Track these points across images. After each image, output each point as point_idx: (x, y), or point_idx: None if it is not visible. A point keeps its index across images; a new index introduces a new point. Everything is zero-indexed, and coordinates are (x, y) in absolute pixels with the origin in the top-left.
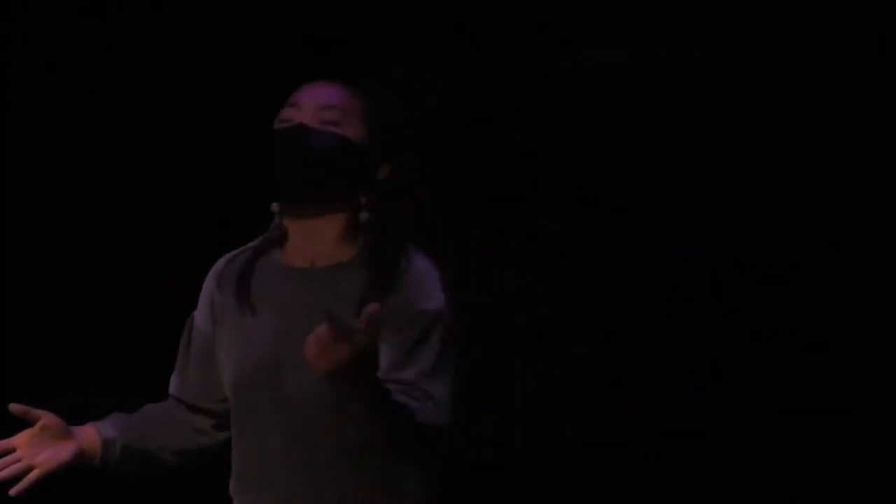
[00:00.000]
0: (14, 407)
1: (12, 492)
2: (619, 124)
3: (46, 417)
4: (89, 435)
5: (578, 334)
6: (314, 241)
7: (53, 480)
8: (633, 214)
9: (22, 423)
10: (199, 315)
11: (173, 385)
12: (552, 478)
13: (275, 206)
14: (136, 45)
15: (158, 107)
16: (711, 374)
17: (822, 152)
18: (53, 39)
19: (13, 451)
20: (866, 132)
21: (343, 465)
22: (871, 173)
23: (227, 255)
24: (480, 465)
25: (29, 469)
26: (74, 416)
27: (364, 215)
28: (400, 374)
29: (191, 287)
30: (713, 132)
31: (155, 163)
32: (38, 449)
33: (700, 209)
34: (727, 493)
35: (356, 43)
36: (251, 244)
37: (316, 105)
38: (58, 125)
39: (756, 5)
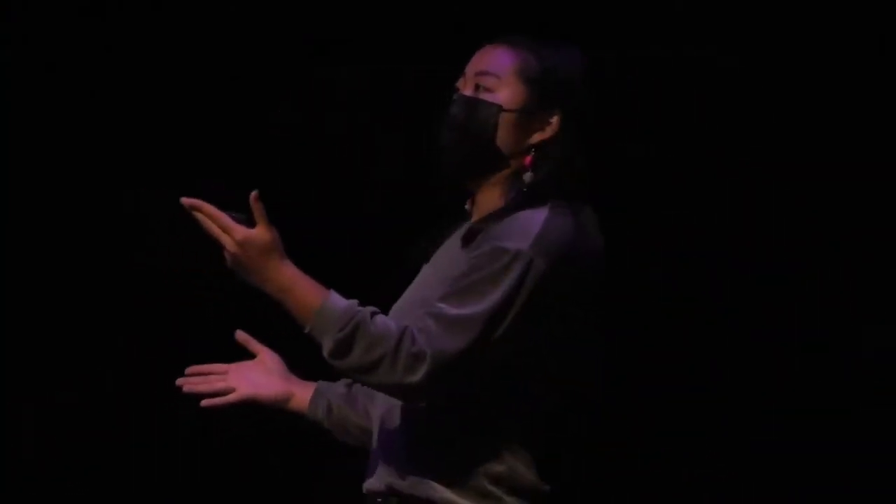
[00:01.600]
0: (239, 334)
1: (203, 403)
2: (620, 124)
3: (265, 353)
4: (308, 386)
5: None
6: (482, 201)
7: (250, 411)
8: (633, 214)
9: None
10: None
11: None
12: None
13: None
14: (137, 45)
15: (158, 107)
16: (711, 374)
17: (822, 152)
18: (53, 39)
19: (225, 373)
20: (866, 132)
21: (407, 420)
22: (871, 173)
23: None
24: None
25: (229, 390)
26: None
27: (528, 175)
28: (435, 299)
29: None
30: (713, 132)
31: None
32: (248, 379)
33: (700, 209)
34: (727, 494)
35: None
36: None
37: (473, 72)
38: (58, 125)
39: (756, 5)
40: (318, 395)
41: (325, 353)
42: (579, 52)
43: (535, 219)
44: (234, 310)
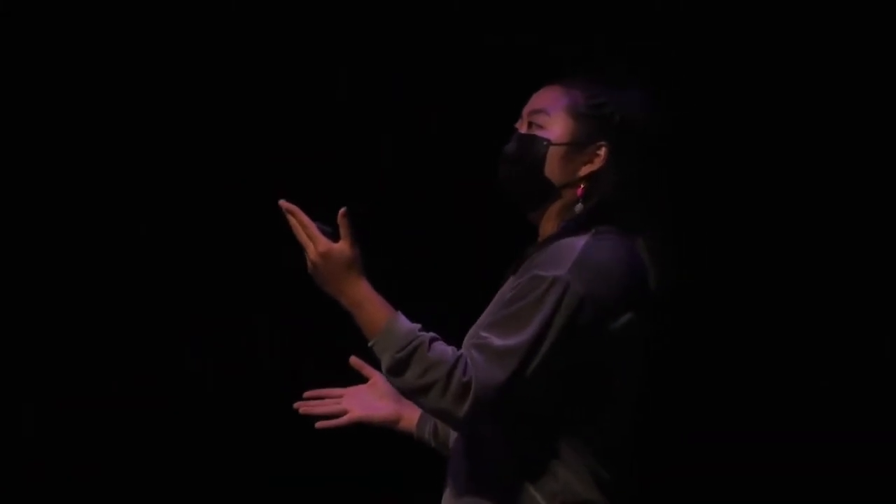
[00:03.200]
0: (353, 360)
1: (318, 424)
2: None
3: (377, 376)
4: (415, 408)
5: None
6: (542, 232)
7: (367, 432)
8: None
9: None
10: None
11: None
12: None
13: None
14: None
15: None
16: (711, 375)
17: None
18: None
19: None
20: (866, 132)
21: (468, 441)
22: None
23: None
24: None
25: (343, 412)
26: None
27: (578, 206)
28: (479, 327)
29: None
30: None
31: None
32: (360, 401)
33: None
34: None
35: None
36: None
37: (528, 111)
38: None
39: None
40: (424, 417)
41: (384, 369)
42: (638, 86)
43: (574, 245)
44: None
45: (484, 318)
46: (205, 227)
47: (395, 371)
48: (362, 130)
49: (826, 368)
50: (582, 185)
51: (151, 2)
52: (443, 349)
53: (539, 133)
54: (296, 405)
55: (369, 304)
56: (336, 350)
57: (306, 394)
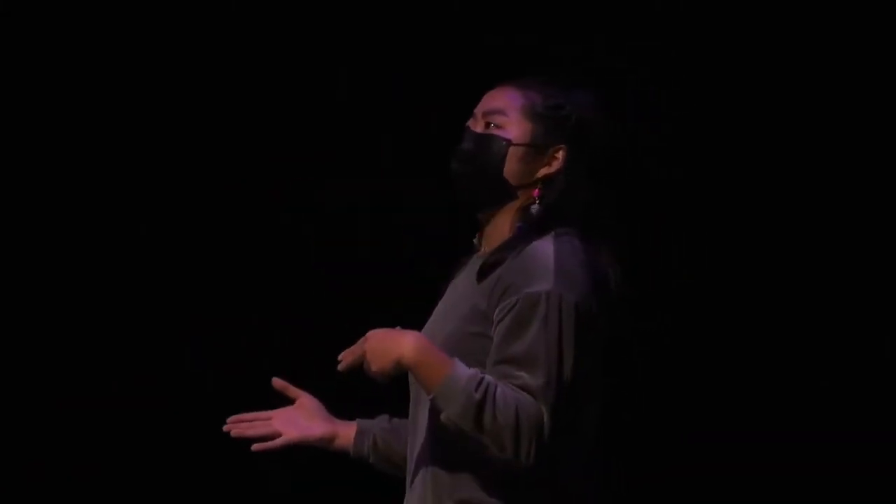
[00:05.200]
0: (276, 382)
1: (254, 447)
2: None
3: (304, 398)
4: (350, 425)
5: None
6: (491, 232)
7: (298, 453)
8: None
9: None
10: None
11: None
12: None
13: None
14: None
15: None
16: (710, 375)
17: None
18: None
19: (269, 419)
20: (866, 132)
21: (438, 449)
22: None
23: None
24: None
25: (276, 434)
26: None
27: (535, 208)
28: (496, 360)
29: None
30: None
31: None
32: (293, 423)
33: (700, 209)
34: (728, 493)
35: None
36: None
37: (482, 111)
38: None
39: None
40: (361, 434)
41: (453, 415)
42: (591, 91)
43: (547, 253)
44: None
45: (435, 327)
46: (205, 227)
47: (468, 415)
48: (362, 130)
49: (826, 368)
50: (539, 188)
51: (151, 2)
52: (504, 391)
53: (498, 133)
54: (225, 427)
55: (431, 352)
56: (336, 351)
57: (232, 418)
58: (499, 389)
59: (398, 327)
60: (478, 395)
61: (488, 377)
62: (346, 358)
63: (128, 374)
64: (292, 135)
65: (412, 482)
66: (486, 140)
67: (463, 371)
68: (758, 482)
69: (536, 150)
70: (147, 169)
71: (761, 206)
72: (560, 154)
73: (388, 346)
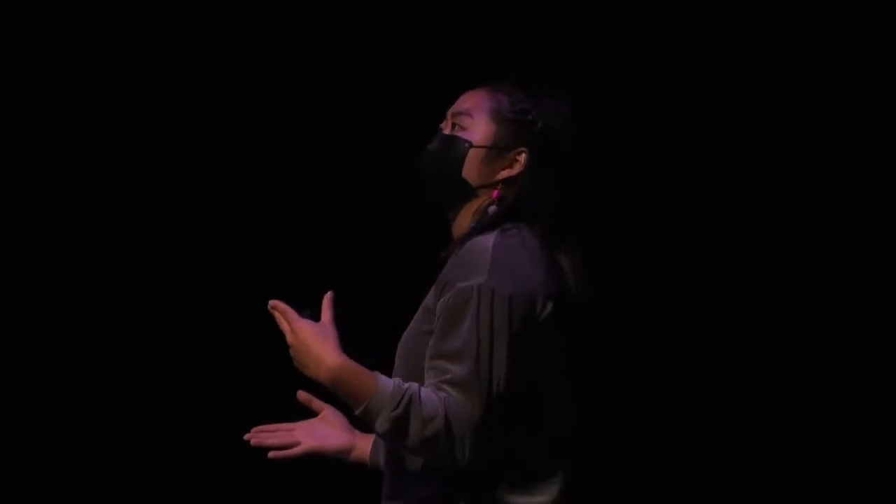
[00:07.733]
0: (301, 394)
1: (270, 455)
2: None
3: (327, 410)
4: (368, 437)
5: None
6: (456, 231)
7: (320, 463)
8: (633, 214)
9: None
10: None
11: None
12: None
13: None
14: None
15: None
16: (711, 375)
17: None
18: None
19: (291, 430)
20: (868, 132)
21: (395, 452)
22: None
23: None
24: None
25: (295, 444)
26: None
27: (492, 207)
28: (432, 354)
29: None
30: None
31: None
32: (313, 433)
33: (700, 208)
34: (728, 493)
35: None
36: None
37: (452, 112)
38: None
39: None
40: (377, 446)
41: (381, 431)
42: (565, 97)
43: (485, 247)
44: None
45: (413, 325)
46: (205, 227)
47: (396, 430)
48: (363, 132)
49: (826, 368)
50: (499, 188)
51: (151, 2)
52: (429, 397)
53: (461, 134)
54: (246, 436)
55: (349, 374)
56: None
57: (256, 428)
58: (423, 399)
59: (331, 339)
60: (400, 411)
61: (412, 388)
62: (277, 306)
63: (127, 374)
64: (292, 134)
65: (384, 486)
66: (449, 141)
67: (385, 387)
68: (756, 482)
69: (498, 151)
70: (148, 169)
71: (761, 205)
72: (522, 157)
73: (306, 361)
